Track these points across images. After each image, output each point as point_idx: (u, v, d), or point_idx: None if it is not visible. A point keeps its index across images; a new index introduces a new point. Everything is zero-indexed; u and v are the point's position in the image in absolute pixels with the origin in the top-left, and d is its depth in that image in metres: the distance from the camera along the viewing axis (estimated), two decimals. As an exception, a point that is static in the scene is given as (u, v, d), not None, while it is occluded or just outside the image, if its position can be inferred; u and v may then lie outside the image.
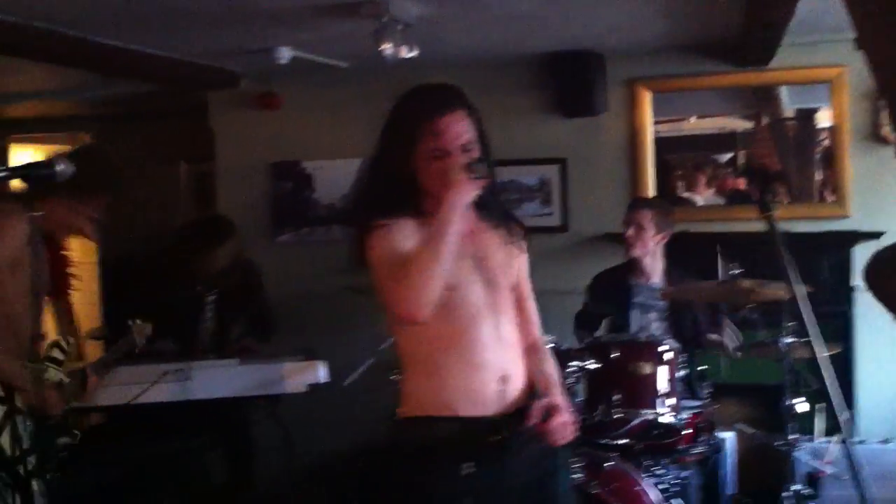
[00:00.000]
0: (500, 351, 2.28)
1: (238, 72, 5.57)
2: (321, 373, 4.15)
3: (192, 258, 4.32)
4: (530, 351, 2.41)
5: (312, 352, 4.32)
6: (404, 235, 2.22)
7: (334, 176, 5.51)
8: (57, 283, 3.21)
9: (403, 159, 2.24)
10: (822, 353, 2.25)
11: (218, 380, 3.94)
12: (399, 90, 2.36)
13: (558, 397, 2.32)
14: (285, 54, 4.82)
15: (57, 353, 3.16)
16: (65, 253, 3.28)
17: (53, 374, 3.09)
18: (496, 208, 2.40)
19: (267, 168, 5.70)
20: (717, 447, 3.83)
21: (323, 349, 4.52)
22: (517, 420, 2.26)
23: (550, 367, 2.41)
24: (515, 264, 2.40)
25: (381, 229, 2.22)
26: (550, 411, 2.25)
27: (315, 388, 4.12)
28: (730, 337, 4.07)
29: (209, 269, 4.34)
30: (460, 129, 2.23)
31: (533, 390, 2.38)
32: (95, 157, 3.09)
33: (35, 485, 2.97)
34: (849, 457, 2.20)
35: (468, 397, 2.24)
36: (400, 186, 2.26)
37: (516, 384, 2.31)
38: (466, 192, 2.16)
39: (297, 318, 5.59)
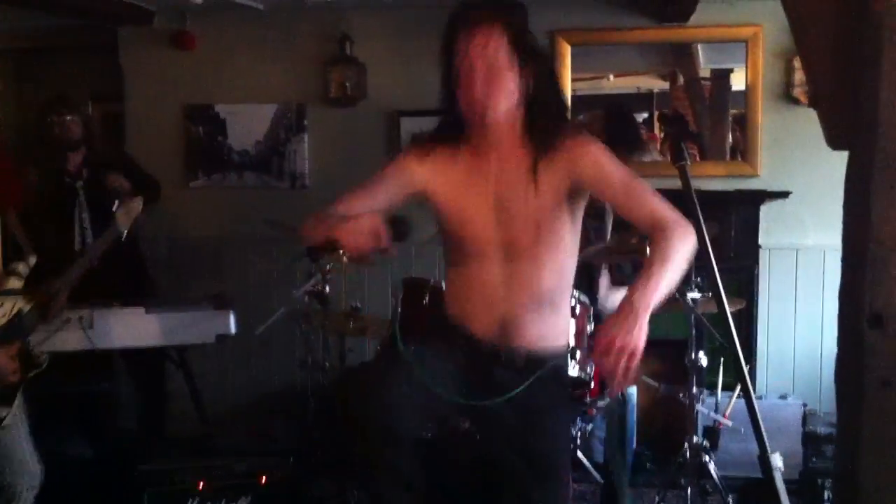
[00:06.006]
0: (505, 292, 2.22)
1: (151, 8, 5.37)
2: (230, 323, 4.07)
3: (47, 149, 4.27)
4: (650, 231, 2.11)
5: (223, 299, 4.25)
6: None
7: (248, 121, 5.37)
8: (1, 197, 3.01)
9: (446, 83, 2.29)
10: (727, 308, 2.28)
11: (122, 328, 3.84)
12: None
13: (630, 310, 1.92)
14: (200, -8, 4.67)
15: (14, 282, 2.83)
16: (4, 166, 3.06)
17: (9, 306, 2.80)
18: (537, 125, 2.28)
19: (179, 110, 5.53)
20: (622, 400, 3.89)
21: (235, 296, 4.45)
22: (515, 363, 2.23)
23: (659, 251, 2.02)
24: (556, 184, 2.22)
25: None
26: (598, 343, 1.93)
27: (223, 338, 4.05)
28: None
29: (67, 142, 4.27)
30: (480, 46, 2.20)
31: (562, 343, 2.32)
32: None
33: None
34: (749, 411, 2.24)
35: (472, 328, 2.28)
36: (449, 113, 2.30)
37: (522, 332, 2.22)
38: None
39: (210, 265, 5.50)
